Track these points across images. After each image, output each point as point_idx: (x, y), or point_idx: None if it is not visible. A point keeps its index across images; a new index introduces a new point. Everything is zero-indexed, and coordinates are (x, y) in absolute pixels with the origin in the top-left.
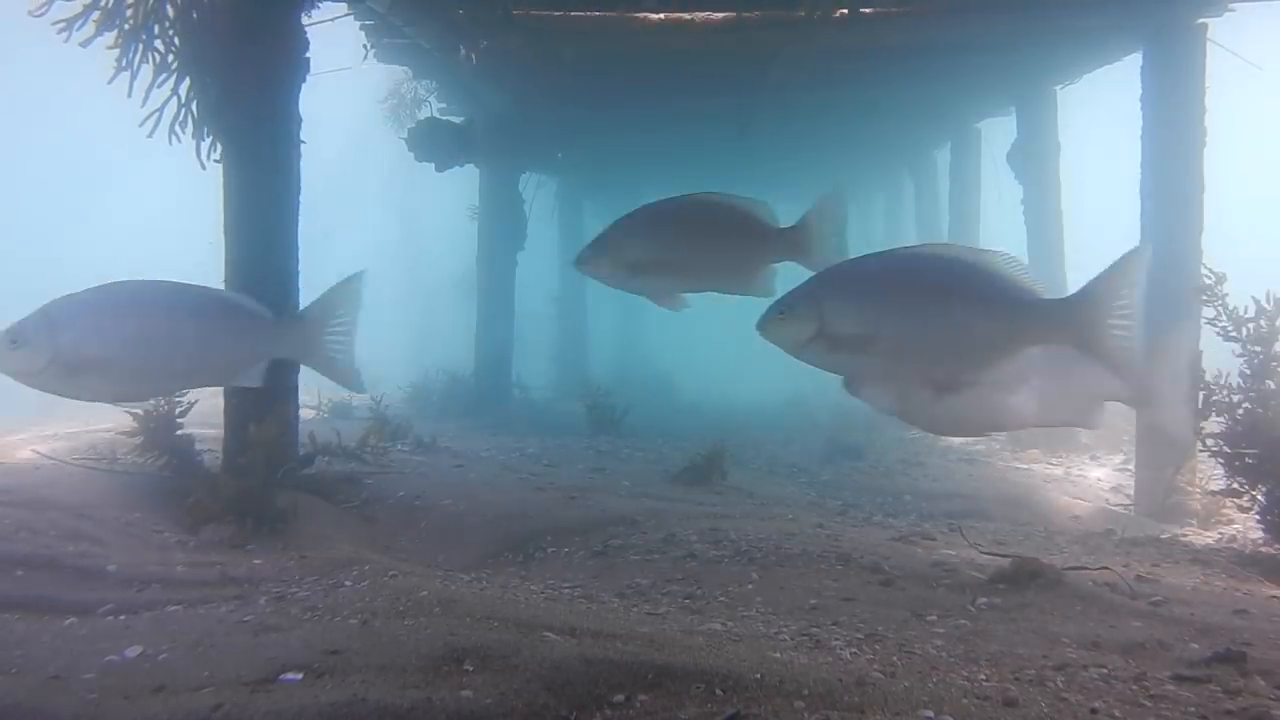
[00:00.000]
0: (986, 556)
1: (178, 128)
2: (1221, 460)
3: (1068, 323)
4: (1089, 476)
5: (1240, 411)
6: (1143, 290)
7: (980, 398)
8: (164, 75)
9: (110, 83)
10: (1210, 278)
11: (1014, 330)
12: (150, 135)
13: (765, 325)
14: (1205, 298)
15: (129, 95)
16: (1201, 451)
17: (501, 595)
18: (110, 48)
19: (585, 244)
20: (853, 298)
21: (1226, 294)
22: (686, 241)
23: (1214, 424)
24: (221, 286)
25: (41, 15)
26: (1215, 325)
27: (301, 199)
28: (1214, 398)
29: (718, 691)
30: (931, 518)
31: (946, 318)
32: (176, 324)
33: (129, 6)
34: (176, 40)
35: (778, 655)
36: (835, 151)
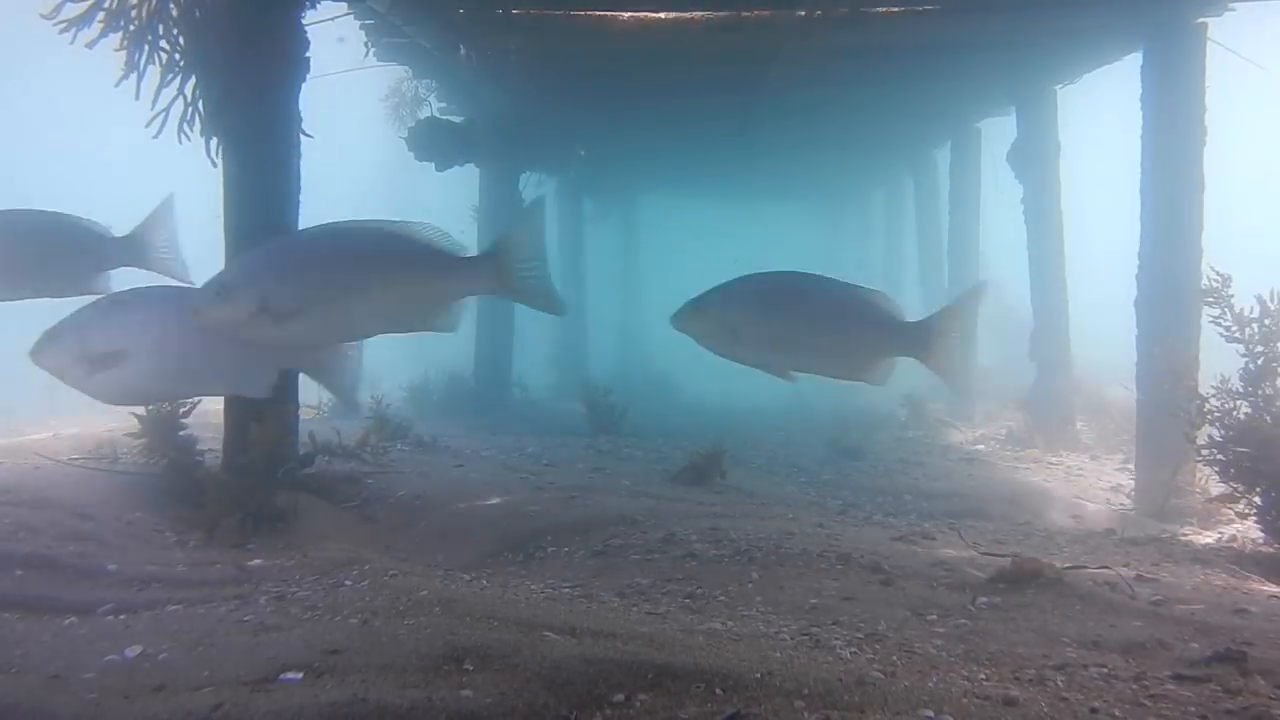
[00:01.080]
0: (986, 556)
1: (185, 126)
2: (1216, 467)
3: (488, 274)
4: (1088, 476)
5: (1241, 415)
6: (543, 242)
7: (133, 371)
8: (171, 75)
9: (118, 85)
10: (1216, 280)
11: (447, 286)
12: (157, 136)
13: (203, 306)
14: (1210, 299)
15: (136, 97)
16: (1198, 460)
17: (501, 595)
18: (117, 50)
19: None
20: (292, 273)
21: (1231, 295)
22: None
23: (1209, 432)
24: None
25: (52, 19)
26: (1219, 325)
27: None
28: (1207, 405)
29: (718, 691)
30: (931, 517)
31: (378, 283)
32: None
33: (133, 7)
34: (181, 40)
35: (778, 655)
36: (835, 150)
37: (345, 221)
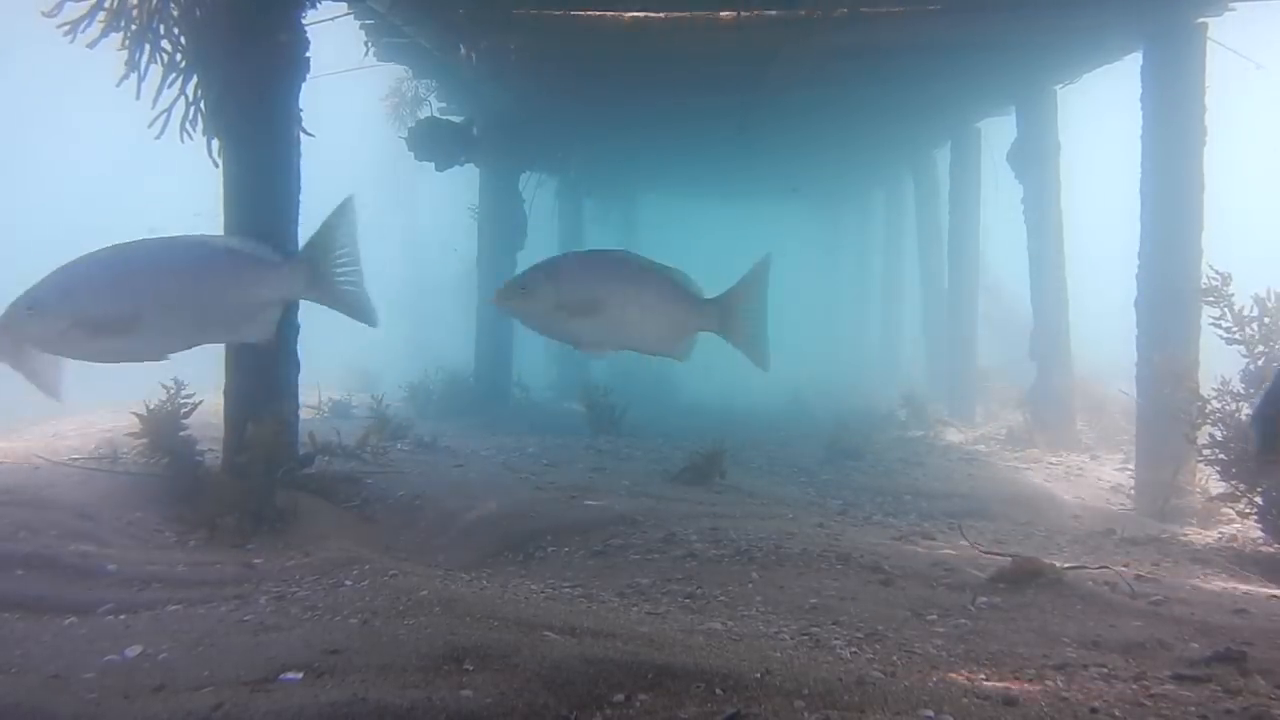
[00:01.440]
0: (987, 556)
1: (189, 126)
2: (1217, 467)
3: (298, 278)
4: (1089, 476)
5: (1243, 416)
6: (356, 245)
7: None
8: (173, 75)
9: (119, 85)
10: (1216, 278)
11: (256, 292)
12: (159, 136)
13: (13, 323)
14: (1210, 298)
15: (137, 98)
16: (1199, 461)
17: (501, 594)
18: (120, 49)
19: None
20: (102, 288)
21: (1232, 294)
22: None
23: (1210, 432)
24: None
25: (53, 16)
26: (1219, 327)
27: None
28: (1209, 407)
29: (718, 691)
30: (931, 517)
31: (189, 294)
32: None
33: (134, 7)
34: (183, 39)
35: (778, 654)
36: (835, 150)
37: (154, 236)
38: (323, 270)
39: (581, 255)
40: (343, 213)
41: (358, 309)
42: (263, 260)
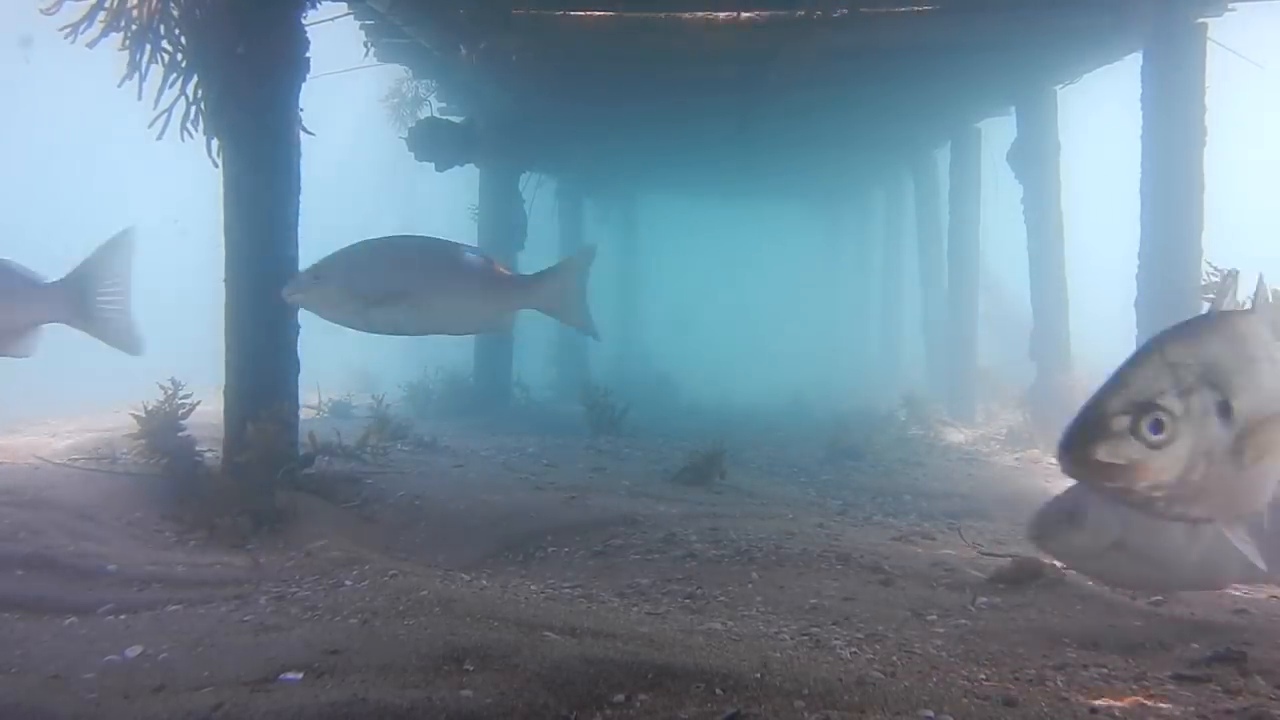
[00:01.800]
0: (986, 556)
1: (189, 126)
2: None
3: (57, 302)
4: None
5: None
6: (128, 273)
7: None
8: (174, 75)
9: (120, 86)
10: (1215, 274)
11: (16, 311)
12: (160, 137)
13: None
14: (1211, 295)
15: (139, 98)
16: None
17: (501, 595)
18: (121, 49)
19: None
20: None
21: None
22: None
23: None
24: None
25: (53, 14)
26: None
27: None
28: None
29: (718, 691)
30: (931, 517)
31: None
32: None
33: (134, 7)
34: (184, 39)
35: (778, 655)
36: (835, 150)
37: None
38: (86, 298)
39: (377, 243)
40: (115, 243)
41: (120, 339)
42: (21, 281)
